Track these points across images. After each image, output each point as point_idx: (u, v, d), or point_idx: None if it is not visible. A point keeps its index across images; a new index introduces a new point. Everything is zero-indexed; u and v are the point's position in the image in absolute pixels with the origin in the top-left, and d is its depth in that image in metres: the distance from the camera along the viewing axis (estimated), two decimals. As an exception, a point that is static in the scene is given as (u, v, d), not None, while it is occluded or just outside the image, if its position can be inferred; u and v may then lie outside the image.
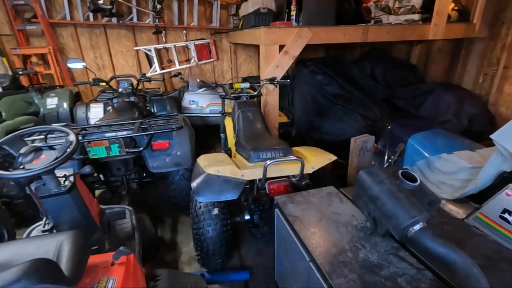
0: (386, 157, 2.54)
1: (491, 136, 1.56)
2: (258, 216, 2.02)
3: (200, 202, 1.80)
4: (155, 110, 3.60)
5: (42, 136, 1.84)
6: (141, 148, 2.13)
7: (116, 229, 1.91)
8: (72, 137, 1.41)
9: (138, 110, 2.89)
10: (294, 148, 2.21)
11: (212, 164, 1.79)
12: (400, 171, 1.13)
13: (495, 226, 1.55)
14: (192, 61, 4.90)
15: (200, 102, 4.12)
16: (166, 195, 2.55)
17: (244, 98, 2.63)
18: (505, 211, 1.53)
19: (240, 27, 4.46)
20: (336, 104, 3.26)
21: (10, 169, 1.31)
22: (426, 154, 2.22)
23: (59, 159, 1.32)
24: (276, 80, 2.66)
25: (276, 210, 1.41)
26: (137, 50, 4.85)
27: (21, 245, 1.13)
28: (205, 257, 1.84)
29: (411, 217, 0.95)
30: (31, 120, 2.89)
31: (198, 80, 4.21)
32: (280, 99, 4.20)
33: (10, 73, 3.69)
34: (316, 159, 1.88)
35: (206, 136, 4.25)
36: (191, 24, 4.99)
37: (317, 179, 2.01)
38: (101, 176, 2.33)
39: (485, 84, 3.43)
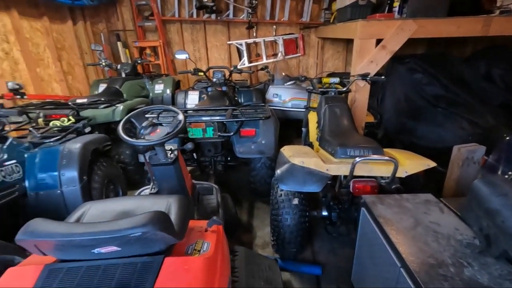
0: (499, 173, 2.14)
1: None
2: (337, 214, 1.97)
3: (281, 190, 1.86)
4: (242, 100, 3.82)
5: (155, 115, 2.17)
6: (231, 133, 2.30)
7: (204, 203, 2.12)
8: (181, 116, 1.63)
9: (228, 99, 3.13)
10: (385, 149, 2.07)
11: (296, 155, 1.82)
12: (531, 186, 0.94)
13: None
14: (279, 55, 5.00)
15: (283, 96, 4.19)
16: (247, 180, 2.70)
17: (332, 93, 2.56)
18: None
19: (331, 21, 4.33)
20: (437, 107, 2.89)
21: (134, 138, 1.59)
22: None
23: (170, 134, 1.53)
24: (369, 77, 2.51)
25: (363, 209, 1.35)
26: (229, 44, 5.21)
27: (139, 200, 1.37)
28: (281, 244, 1.90)
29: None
30: (144, 102, 3.42)
31: (283, 74, 4.28)
32: (369, 97, 3.97)
33: (130, 62, 4.43)
34: (412, 163, 1.71)
35: (286, 129, 4.30)
36: (282, 19, 5.09)
37: (409, 185, 1.84)
38: (194, 155, 2.62)
39: None
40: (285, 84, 4.15)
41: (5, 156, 1.82)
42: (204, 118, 2.23)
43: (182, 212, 1.23)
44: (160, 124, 1.71)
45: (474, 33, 2.55)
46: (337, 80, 2.63)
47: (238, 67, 5.11)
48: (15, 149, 1.91)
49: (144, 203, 1.31)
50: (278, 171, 1.81)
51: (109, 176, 2.33)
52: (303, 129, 3.11)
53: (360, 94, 2.83)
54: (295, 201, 1.82)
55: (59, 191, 1.92)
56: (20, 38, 3.34)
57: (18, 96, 2.90)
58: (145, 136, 1.62)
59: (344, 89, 2.64)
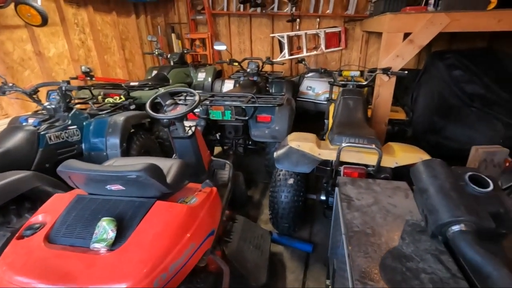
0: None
1: None
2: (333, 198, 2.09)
3: (281, 171, 2.05)
4: (273, 90, 4.03)
5: (183, 97, 2.52)
6: (247, 117, 2.55)
7: (217, 176, 2.43)
8: (196, 97, 1.92)
9: (258, 88, 3.36)
10: (390, 143, 2.10)
11: (296, 140, 1.99)
12: (469, 173, 1.00)
13: None
14: (319, 49, 5.04)
15: (316, 89, 4.27)
16: (263, 163, 2.94)
17: (351, 86, 2.61)
18: None
19: (372, 13, 4.22)
20: (471, 106, 2.71)
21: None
22: None
23: (186, 110, 1.84)
24: (390, 71, 2.50)
25: (336, 189, 1.48)
26: (272, 37, 5.40)
27: (153, 159, 1.72)
28: (275, 218, 2.10)
29: (452, 216, 0.86)
30: (182, 87, 3.87)
31: (314, 67, 4.34)
32: (404, 94, 3.83)
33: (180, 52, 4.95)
34: (404, 155, 1.75)
35: (316, 122, 4.39)
36: (326, 12, 5.08)
37: (408, 178, 1.86)
38: (217, 135, 2.94)
39: None
40: (320, 77, 4.21)
41: (69, 122, 2.35)
42: (224, 103, 2.52)
43: (179, 171, 1.54)
44: (182, 104, 2.03)
45: (518, 27, 2.33)
46: (357, 73, 2.67)
47: (278, 59, 5.33)
48: (77, 118, 2.44)
49: (154, 161, 1.65)
50: (277, 152, 2.01)
51: (145, 147, 2.78)
52: (325, 121, 3.20)
53: (384, 88, 2.80)
54: (291, 180, 2.00)
55: (104, 154, 2.41)
56: (94, 30, 4.05)
57: (88, 78, 3.57)
58: (167, 113, 1.96)
59: (365, 83, 2.67)
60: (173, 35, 5.50)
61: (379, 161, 1.67)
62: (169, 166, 1.59)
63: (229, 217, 2.10)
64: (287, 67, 5.62)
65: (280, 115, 2.57)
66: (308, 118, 4.24)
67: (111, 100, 2.90)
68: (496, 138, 2.41)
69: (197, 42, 5.53)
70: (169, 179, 1.45)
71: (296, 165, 1.87)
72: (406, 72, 2.55)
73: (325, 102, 4.17)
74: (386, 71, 2.51)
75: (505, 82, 2.80)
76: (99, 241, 1.10)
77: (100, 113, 2.61)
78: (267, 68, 5.08)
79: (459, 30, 2.47)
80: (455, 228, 0.87)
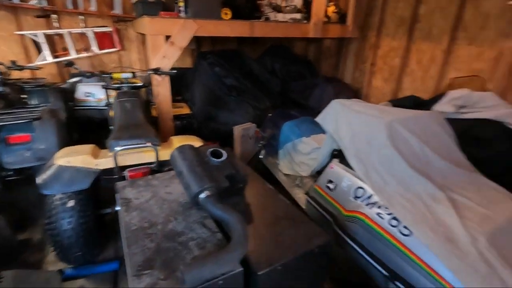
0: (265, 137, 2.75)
1: (316, 119, 1.83)
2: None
3: (53, 196, 1.71)
4: (37, 102, 3.24)
5: None
6: (-10, 142, 1.92)
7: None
8: None
9: (7, 102, 2.59)
10: (172, 137, 2.26)
11: (66, 156, 1.72)
12: (210, 150, 1.26)
13: (323, 194, 1.85)
14: (89, 50, 4.54)
15: (97, 94, 3.87)
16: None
17: (125, 89, 2.56)
18: (329, 181, 1.83)
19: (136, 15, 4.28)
20: (231, 96, 3.41)
21: None
22: (293, 138, 2.49)
23: None
24: (160, 71, 2.66)
25: (116, 195, 1.44)
26: (21, 35, 4.27)
27: None
28: (61, 252, 1.77)
29: (199, 186, 1.08)
30: None
31: (91, 70, 3.93)
32: (186, 90, 4.22)
33: None
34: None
35: (106, 129, 4.02)
36: (89, 9, 4.60)
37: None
38: None
39: (360, 79, 3.99)
40: (95, 80, 3.81)
41: None
42: None
43: None
44: None
45: (244, 33, 3.14)
46: (129, 75, 2.64)
47: (38, 62, 4.32)
48: None
49: None
50: (41, 176, 1.66)
51: None
52: (110, 127, 2.98)
53: (161, 87, 2.95)
54: (71, 203, 1.73)
55: None
56: None
57: None
58: None
59: (141, 83, 2.70)
60: None
61: (157, 157, 1.77)
62: None
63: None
64: (55, 72, 4.69)
65: (43, 130, 2.12)
66: (95, 127, 3.78)
67: None
68: (250, 118, 3.19)
69: None
70: None
71: (71, 184, 1.63)
72: (175, 71, 2.81)
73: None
74: (156, 71, 2.65)
75: (249, 76, 3.73)
76: None
77: None
78: (24, 74, 4.01)
79: (206, 35, 2.99)
80: (202, 195, 1.07)
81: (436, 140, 1.69)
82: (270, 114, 2.93)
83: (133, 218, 1.21)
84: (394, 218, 1.41)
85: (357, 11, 3.70)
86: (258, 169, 2.67)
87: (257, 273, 0.95)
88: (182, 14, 3.01)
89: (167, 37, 2.85)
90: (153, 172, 1.82)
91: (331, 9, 3.80)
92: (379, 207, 1.49)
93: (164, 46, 2.83)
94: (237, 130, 2.69)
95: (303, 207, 2.13)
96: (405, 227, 1.36)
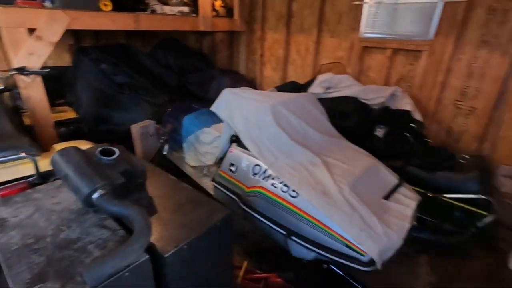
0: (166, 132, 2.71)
1: (211, 108, 1.95)
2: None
3: None
4: None
5: None
6: None
7: None
8: None
9: None
10: (55, 145, 2.00)
11: None
12: (99, 149, 1.21)
13: (227, 177, 2.00)
14: None
15: None
16: None
17: (-22, 94, 2.09)
18: (231, 164, 1.99)
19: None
20: (123, 93, 3.19)
21: None
22: (194, 130, 2.55)
23: None
24: (26, 71, 2.27)
25: (-14, 219, 1.22)
26: None
27: None
28: None
29: (90, 187, 1.04)
30: None
31: None
32: (68, 92, 3.70)
33: None
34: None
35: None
36: None
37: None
38: None
39: (253, 69, 4.31)
40: None
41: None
42: None
43: None
44: None
45: (129, 27, 2.96)
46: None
47: None
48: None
49: None
50: None
51: None
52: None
53: (32, 90, 2.51)
54: None
55: None
56: None
57: None
58: None
59: (1, 87, 2.25)
60: None
61: (36, 167, 1.55)
62: None
63: None
64: None
65: None
66: None
67: None
68: (147, 115, 3.07)
69: None
70: None
71: None
72: (48, 70, 2.45)
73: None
74: (21, 71, 2.25)
75: (141, 71, 3.54)
76: None
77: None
78: None
79: (83, 28, 2.69)
80: (96, 195, 1.04)
81: (311, 116, 2.04)
82: (169, 109, 2.90)
83: (11, 237, 1.06)
84: (285, 185, 1.67)
85: (242, 6, 3.95)
86: (162, 165, 2.62)
87: (164, 256, 1.00)
88: (48, 4, 2.61)
89: (31, 31, 2.43)
90: (35, 185, 1.59)
91: (218, 3, 3.94)
92: (272, 178, 1.73)
93: (28, 41, 2.41)
94: (135, 128, 2.56)
95: (212, 193, 2.24)
96: (293, 190, 1.63)
